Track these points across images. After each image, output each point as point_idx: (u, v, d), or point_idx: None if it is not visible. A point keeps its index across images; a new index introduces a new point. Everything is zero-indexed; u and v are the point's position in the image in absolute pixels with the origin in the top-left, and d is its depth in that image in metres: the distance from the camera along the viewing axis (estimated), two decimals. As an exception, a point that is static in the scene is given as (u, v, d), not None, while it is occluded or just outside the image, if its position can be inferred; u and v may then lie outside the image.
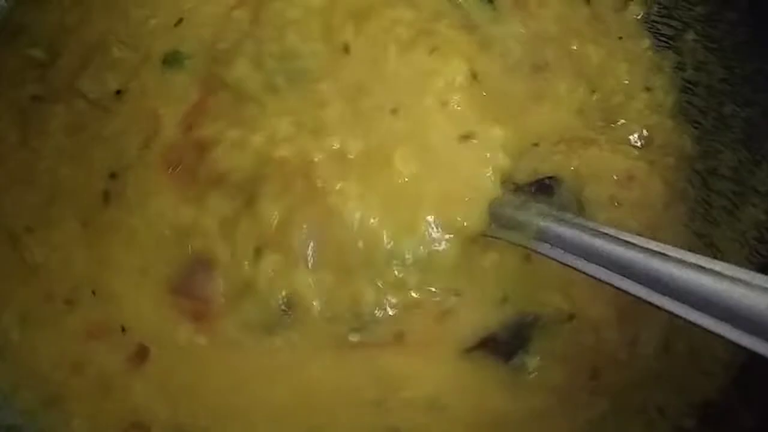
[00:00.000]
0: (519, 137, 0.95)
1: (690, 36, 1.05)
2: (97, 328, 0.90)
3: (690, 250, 0.72)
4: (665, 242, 0.73)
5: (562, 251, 0.80)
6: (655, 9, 1.08)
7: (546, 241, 0.82)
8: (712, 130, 1.00)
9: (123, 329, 0.90)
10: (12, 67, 1.05)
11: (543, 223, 0.83)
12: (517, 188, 0.92)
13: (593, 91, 1.01)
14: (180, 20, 1.00)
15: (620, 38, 1.05)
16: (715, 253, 0.93)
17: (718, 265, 0.69)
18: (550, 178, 0.93)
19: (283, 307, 0.87)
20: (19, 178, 0.97)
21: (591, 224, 0.80)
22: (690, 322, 0.68)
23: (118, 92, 0.97)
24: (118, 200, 0.93)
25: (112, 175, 0.94)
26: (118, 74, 0.98)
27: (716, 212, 0.96)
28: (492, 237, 0.88)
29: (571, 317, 0.89)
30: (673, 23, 1.07)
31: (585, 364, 0.89)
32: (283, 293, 0.87)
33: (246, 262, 0.87)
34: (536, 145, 0.96)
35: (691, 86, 1.03)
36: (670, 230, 0.94)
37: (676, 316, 0.69)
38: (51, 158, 0.97)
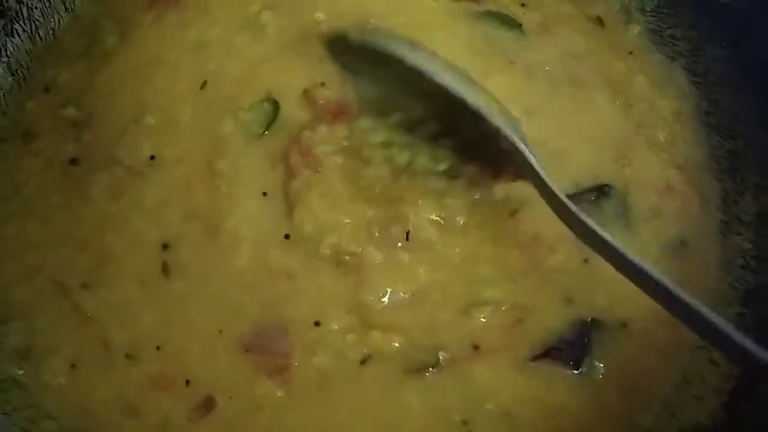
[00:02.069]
0: (578, 149, 0.99)
1: (675, 69, 1.10)
2: (161, 379, 0.91)
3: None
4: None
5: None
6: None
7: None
8: (700, 161, 1.04)
9: (187, 383, 0.91)
10: (48, 125, 1.08)
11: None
12: (583, 191, 0.96)
13: (627, 103, 1.04)
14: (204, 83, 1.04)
15: (630, 53, 1.10)
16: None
17: None
18: (606, 185, 0.97)
19: (361, 358, 0.90)
20: (66, 238, 0.99)
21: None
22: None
23: (152, 158, 1.00)
24: (179, 272, 0.95)
25: (165, 246, 0.96)
26: (152, 141, 1.01)
27: (705, 239, 1.00)
28: None
29: (624, 324, 0.92)
30: (659, 57, 1.11)
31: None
32: (364, 350, 0.90)
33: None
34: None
35: (678, 119, 1.06)
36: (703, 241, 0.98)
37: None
38: (95, 223, 0.99)
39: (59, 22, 1.16)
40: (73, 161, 1.03)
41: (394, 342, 0.90)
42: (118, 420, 0.91)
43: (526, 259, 0.93)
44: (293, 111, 1.00)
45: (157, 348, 0.92)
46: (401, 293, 0.91)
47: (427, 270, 0.92)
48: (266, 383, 0.90)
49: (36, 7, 1.15)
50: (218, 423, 0.89)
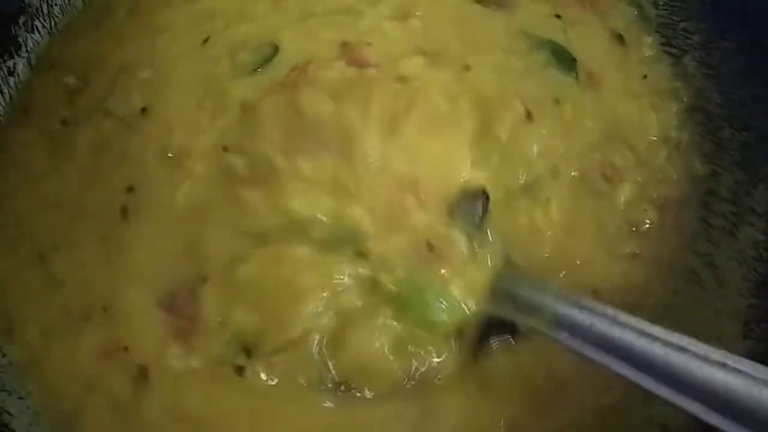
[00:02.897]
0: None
1: (688, 62, 1.09)
2: (107, 347, 0.90)
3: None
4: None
5: (581, 341, 0.76)
6: (657, 38, 1.12)
7: (564, 329, 0.77)
8: (711, 153, 1.03)
9: (126, 348, 0.89)
10: (45, 96, 1.08)
11: (561, 310, 0.78)
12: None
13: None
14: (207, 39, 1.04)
15: (645, 76, 1.09)
16: (715, 271, 0.96)
17: (745, 365, 0.65)
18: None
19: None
20: (49, 202, 0.99)
21: (609, 311, 0.76)
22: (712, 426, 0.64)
23: (143, 110, 1.00)
24: (135, 214, 0.94)
25: (130, 189, 0.95)
26: (144, 93, 1.01)
27: (716, 232, 0.99)
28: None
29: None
30: (673, 51, 1.11)
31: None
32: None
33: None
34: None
35: (691, 111, 1.06)
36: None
37: (694, 415, 0.66)
38: (76, 180, 0.99)
39: (77, 17, 1.18)
40: (64, 122, 1.03)
41: None
42: (81, 397, 0.89)
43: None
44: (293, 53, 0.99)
45: (104, 309, 0.91)
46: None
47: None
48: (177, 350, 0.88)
49: (56, 4, 1.17)
50: (157, 396, 0.87)
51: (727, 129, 1.04)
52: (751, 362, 0.65)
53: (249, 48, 1.01)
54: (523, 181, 0.94)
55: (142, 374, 0.88)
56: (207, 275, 0.89)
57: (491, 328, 0.88)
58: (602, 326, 0.74)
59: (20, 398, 0.92)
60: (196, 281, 0.90)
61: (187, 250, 0.91)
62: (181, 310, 0.89)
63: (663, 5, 1.13)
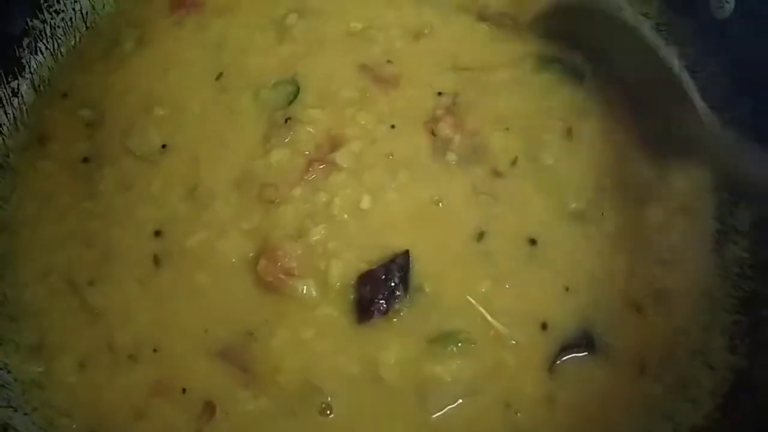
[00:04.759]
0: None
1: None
2: (157, 387, 0.93)
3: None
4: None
5: None
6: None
7: None
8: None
9: (184, 391, 0.92)
10: (63, 127, 1.11)
11: None
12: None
13: None
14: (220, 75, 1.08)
15: None
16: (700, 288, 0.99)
17: None
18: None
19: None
20: (78, 237, 1.02)
21: None
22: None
23: (164, 146, 1.04)
24: (169, 263, 0.98)
25: (157, 233, 0.99)
26: (162, 130, 1.05)
27: (701, 250, 1.02)
28: None
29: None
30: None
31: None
32: None
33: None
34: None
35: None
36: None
37: None
38: (103, 219, 1.02)
39: (80, 40, 1.22)
40: (85, 160, 1.07)
41: None
42: (127, 421, 0.92)
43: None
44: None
45: (154, 350, 0.94)
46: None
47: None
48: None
49: (59, 26, 1.20)
50: (224, 422, 0.91)
51: (710, 150, 1.06)
52: None
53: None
54: None
55: (209, 409, 0.91)
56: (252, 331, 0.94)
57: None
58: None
59: (25, 414, 0.94)
60: (245, 337, 0.94)
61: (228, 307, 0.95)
62: (236, 360, 0.93)
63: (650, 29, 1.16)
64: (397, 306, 0.92)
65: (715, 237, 1.02)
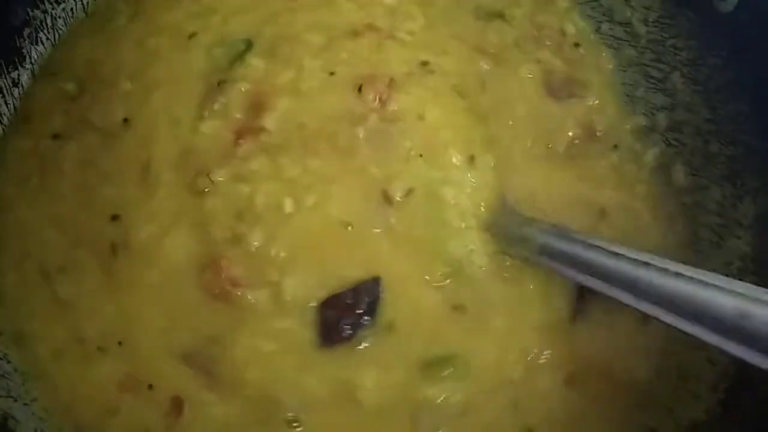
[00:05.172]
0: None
1: (677, 78, 1.12)
2: (125, 381, 0.90)
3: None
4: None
5: (560, 264, 0.88)
6: (647, 54, 1.14)
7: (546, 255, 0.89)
8: (700, 166, 1.05)
9: (150, 387, 0.90)
10: (44, 102, 1.08)
11: (542, 240, 0.90)
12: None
13: None
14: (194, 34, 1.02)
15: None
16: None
17: (698, 273, 0.76)
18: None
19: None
20: (49, 220, 0.99)
21: (583, 236, 0.88)
22: (669, 325, 0.76)
23: (125, 120, 0.98)
24: (125, 253, 0.93)
25: (114, 217, 0.94)
26: (127, 103, 1.00)
27: (703, 243, 1.02)
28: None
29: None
30: (662, 66, 1.13)
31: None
32: None
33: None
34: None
35: (680, 126, 1.09)
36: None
37: (658, 319, 0.77)
38: (69, 200, 0.98)
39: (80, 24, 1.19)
40: (55, 136, 1.02)
41: None
42: (101, 417, 0.91)
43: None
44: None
45: (119, 343, 0.91)
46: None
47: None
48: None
49: (59, 16, 1.19)
50: (193, 422, 0.88)
51: (714, 143, 1.06)
52: (701, 271, 0.76)
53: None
54: None
55: (176, 407, 0.89)
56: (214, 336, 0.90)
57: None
58: (577, 250, 0.86)
59: (25, 404, 0.94)
60: (207, 341, 0.90)
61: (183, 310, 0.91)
62: (200, 364, 0.90)
63: (653, 22, 1.15)
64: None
65: (716, 231, 1.01)
